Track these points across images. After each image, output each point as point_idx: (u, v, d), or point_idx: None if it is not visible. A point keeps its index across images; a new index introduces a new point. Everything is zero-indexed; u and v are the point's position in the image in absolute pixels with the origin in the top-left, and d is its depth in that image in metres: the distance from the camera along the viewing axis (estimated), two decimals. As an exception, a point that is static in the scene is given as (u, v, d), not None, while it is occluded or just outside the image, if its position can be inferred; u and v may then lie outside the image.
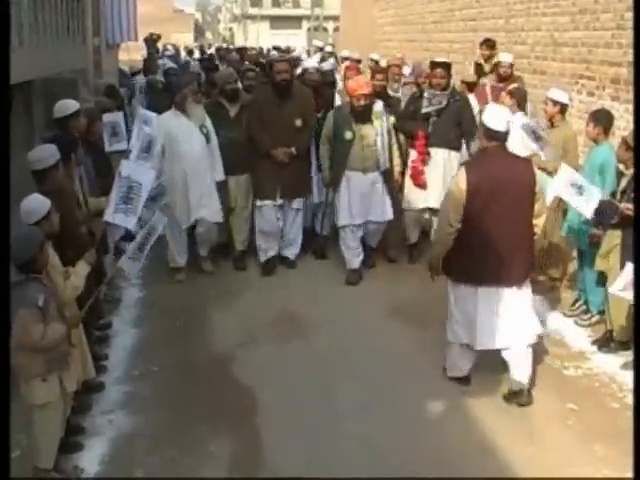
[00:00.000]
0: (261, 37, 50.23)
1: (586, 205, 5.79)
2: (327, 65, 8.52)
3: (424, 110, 7.61)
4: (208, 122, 7.51)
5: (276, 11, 59.16)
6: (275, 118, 7.51)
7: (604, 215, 5.76)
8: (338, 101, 8.55)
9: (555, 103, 7.00)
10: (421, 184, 7.67)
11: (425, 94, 7.67)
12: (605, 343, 6.17)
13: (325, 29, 44.38)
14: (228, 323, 6.67)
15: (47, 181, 4.86)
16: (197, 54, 23.35)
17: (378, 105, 7.49)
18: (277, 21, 58.14)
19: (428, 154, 7.62)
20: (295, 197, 7.81)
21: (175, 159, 7.30)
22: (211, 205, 7.50)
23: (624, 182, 5.81)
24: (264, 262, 7.90)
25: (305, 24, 53.17)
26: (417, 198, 7.77)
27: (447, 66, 7.71)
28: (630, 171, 5.67)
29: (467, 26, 12.78)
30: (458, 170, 5.90)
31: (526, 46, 10.26)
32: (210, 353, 6.16)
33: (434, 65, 7.76)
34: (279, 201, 7.74)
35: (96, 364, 5.36)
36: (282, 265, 8.03)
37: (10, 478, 3.68)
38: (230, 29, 66.07)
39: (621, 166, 5.96)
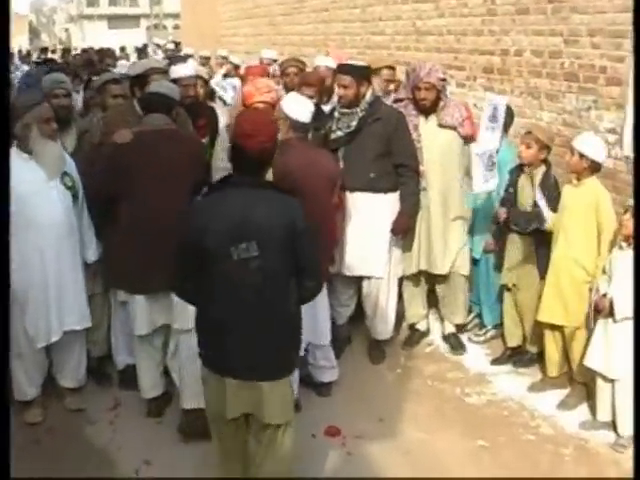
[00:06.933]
0: (99, 37, 48.56)
1: (482, 182, 5.31)
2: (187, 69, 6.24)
3: (333, 136, 5.35)
4: (72, 167, 4.73)
5: (113, 10, 58.92)
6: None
7: (519, 223, 5.17)
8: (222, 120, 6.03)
9: None
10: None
11: (335, 113, 5.43)
12: (505, 361, 5.58)
13: (165, 27, 43.21)
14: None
15: None
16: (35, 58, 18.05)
17: None
18: (115, 20, 58.07)
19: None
20: None
21: (24, 230, 4.39)
22: (77, 304, 4.77)
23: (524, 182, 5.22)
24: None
25: (144, 22, 52.59)
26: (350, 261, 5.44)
27: (358, 71, 5.27)
28: (540, 169, 5.10)
29: (319, 17, 12.02)
30: None
31: (385, 36, 9.59)
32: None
33: (338, 70, 5.45)
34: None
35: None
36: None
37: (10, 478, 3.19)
38: (67, 30, 63.65)
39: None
